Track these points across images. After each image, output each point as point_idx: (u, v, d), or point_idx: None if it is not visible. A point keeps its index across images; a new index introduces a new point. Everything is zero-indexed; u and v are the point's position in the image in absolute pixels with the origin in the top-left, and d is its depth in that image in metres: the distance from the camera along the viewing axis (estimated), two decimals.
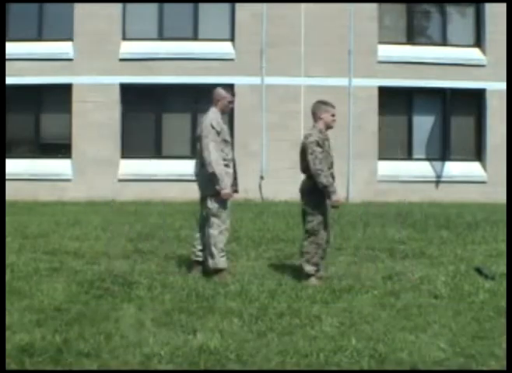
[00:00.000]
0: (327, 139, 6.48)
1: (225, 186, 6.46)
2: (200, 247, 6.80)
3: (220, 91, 6.79)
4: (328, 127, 6.53)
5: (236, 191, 6.78)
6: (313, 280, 6.37)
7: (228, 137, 6.72)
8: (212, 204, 6.55)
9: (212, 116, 6.65)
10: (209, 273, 6.59)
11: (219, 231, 6.57)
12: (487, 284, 6.29)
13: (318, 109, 6.54)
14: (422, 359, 4.14)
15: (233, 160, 6.75)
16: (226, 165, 6.58)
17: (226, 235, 6.67)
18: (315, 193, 6.42)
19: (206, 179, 6.54)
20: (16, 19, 17.32)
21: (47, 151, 17.54)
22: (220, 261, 6.55)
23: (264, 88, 17.04)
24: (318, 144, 6.33)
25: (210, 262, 6.56)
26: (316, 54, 17.00)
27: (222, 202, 6.56)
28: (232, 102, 6.83)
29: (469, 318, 5.09)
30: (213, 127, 6.53)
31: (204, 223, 6.74)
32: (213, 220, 6.56)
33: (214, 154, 6.44)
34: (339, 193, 6.45)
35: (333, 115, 6.52)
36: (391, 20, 18.06)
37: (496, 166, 17.28)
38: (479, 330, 4.77)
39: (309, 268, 6.42)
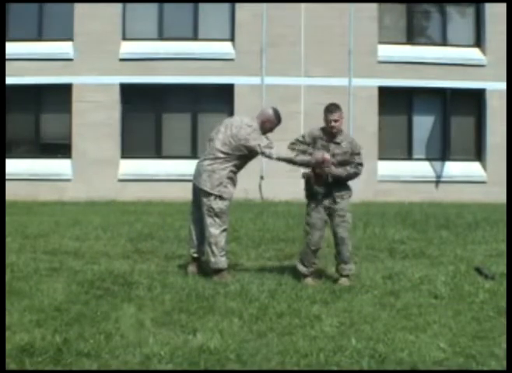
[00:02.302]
0: (321, 137, 6.47)
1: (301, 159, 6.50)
2: (196, 242, 6.81)
3: (269, 112, 6.77)
4: (327, 131, 6.52)
5: None
6: (308, 280, 6.40)
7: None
8: (216, 204, 6.53)
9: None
10: (208, 272, 6.60)
11: (220, 230, 6.56)
12: (487, 284, 6.29)
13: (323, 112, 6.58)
14: (422, 359, 4.14)
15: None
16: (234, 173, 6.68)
17: (226, 234, 6.68)
18: (305, 194, 6.51)
19: (214, 178, 6.54)
20: (16, 19, 17.32)
21: (47, 151, 17.55)
22: (221, 261, 6.55)
23: (264, 88, 17.05)
24: (298, 141, 6.52)
25: (211, 261, 6.56)
26: (316, 54, 17.01)
27: (226, 204, 6.57)
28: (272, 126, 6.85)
29: (469, 318, 5.09)
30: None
31: (200, 219, 6.71)
32: (215, 219, 6.54)
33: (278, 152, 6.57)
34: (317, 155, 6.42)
35: (330, 121, 6.47)
36: (391, 20, 18.07)
37: (496, 166, 17.28)
38: (479, 330, 4.77)
39: (300, 268, 6.51)
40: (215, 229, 6.54)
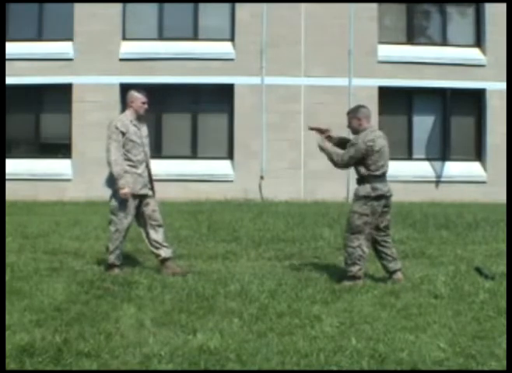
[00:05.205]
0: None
1: (122, 185, 6.67)
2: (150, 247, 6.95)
3: (133, 93, 6.93)
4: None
5: (152, 191, 7.12)
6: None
7: (136, 138, 6.85)
8: (113, 202, 6.78)
9: (120, 118, 6.91)
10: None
11: (115, 229, 6.77)
12: (487, 284, 6.29)
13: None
14: (422, 359, 4.13)
15: (146, 161, 6.98)
16: (134, 166, 6.82)
17: (121, 235, 6.79)
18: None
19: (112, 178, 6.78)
20: (16, 19, 17.32)
21: (47, 151, 17.54)
22: (110, 257, 6.78)
23: (264, 88, 17.04)
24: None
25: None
26: (316, 54, 17.00)
27: (122, 201, 6.71)
28: (145, 102, 6.90)
29: (469, 318, 5.09)
30: (117, 128, 6.78)
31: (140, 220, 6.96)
32: (111, 217, 6.80)
33: (114, 154, 6.76)
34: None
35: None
36: (391, 20, 18.06)
37: (496, 166, 17.28)
38: (479, 330, 4.77)
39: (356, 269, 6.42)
40: (111, 227, 6.83)
